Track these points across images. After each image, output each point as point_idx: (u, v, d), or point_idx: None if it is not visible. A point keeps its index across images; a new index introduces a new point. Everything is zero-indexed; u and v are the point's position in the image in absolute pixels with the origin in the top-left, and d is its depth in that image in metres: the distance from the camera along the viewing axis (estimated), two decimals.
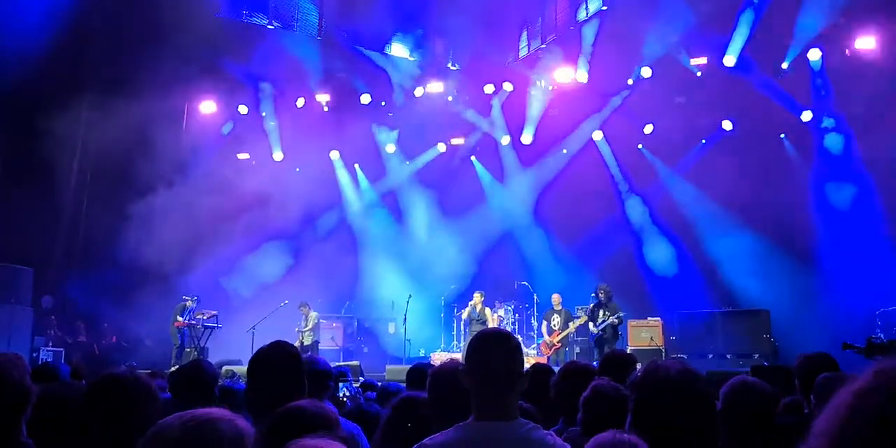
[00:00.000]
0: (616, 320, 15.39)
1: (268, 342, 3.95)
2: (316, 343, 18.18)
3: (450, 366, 3.66)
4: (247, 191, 20.45)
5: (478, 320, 17.13)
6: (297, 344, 17.66)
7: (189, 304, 17.72)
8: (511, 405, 2.85)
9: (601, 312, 15.62)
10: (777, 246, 17.93)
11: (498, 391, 2.84)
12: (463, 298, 18.60)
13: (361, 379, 10.77)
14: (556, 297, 17.18)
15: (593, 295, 17.27)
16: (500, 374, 2.84)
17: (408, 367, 5.68)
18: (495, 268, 21.21)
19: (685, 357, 16.52)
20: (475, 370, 2.88)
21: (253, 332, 16.94)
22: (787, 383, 5.51)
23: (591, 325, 15.74)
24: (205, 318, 17.76)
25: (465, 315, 17.74)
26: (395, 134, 22.40)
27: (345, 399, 5.31)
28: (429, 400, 3.66)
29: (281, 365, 3.74)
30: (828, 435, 1.21)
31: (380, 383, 6.85)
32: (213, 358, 17.46)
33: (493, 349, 2.90)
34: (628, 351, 16.17)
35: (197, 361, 4.76)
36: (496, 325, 18.76)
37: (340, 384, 5.38)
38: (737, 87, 18.11)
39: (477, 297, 17.46)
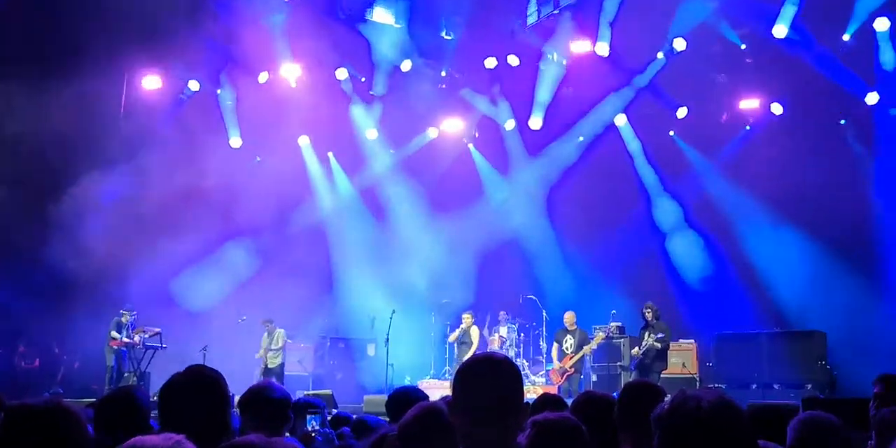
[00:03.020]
0: (657, 343, 15.43)
1: (223, 365, 3.94)
2: (282, 366, 18.20)
3: (440, 403, 3.66)
4: (199, 184, 20.39)
5: (465, 343, 17.18)
6: (260, 367, 17.70)
7: (126, 318, 17.67)
8: (507, 445, 2.84)
9: (646, 334, 15.71)
10: (835, 254, 17.95)
11: (490, 429, 2.83)
12: (458, 314, 18.60)
13: (334, 411, 10.77)
14: (569, 315, 17.18)
15: (613, 312, 17.32)
16: (493, 410, 2.83)
17: None
18: (497, 278, 21.22)
19: (723, 387, 16.54)
20: (463, 404, 2.88)
21: (204, 353, 16.91)
22: (848, 419, 5.49)
23: (635, 349, 15.85)
24: (146, 336, 17.72)
25: (452, 338, 17.78)
26: (377, 116, 22.37)
27: (313, 434, 5.29)
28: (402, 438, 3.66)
29: (197, 396, 3.66)
30: None
31: (356, 416, 6.84)
32: (157, 384, 17.43)
33: (484, 378, 2.88)
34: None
35: (127, 389, 4.73)
36: (496, 348, 18.80)
37: (309, 416, 5.36)
38: (788, 64, 18.13)
39: (466, 318, 17.54)
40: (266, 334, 18.23)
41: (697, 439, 2.42)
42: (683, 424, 2.46)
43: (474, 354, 3.19)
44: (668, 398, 2.70)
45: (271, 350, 18.12)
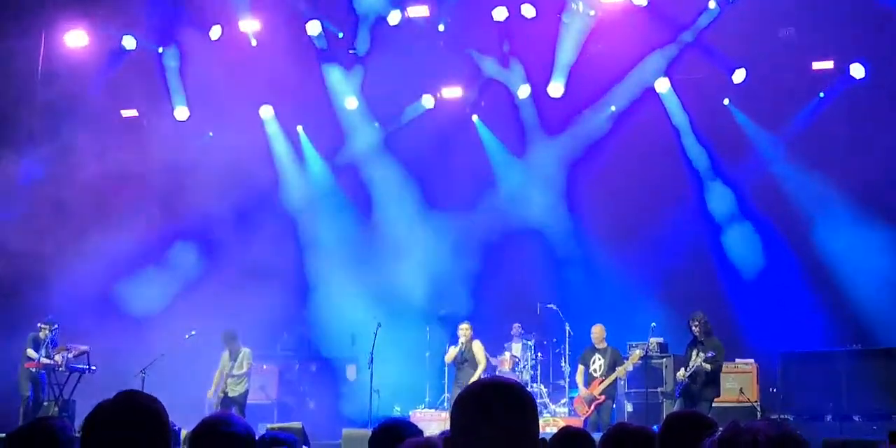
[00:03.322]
0: (707, 364, 15.36)
1: (167, 392, 3.91)
2: (245, 395, 18.02)
3: (436, 440, 3.67)
4: (137, 165, 20.38)
5: (466, 362, 17.16)
6: (216, 394, 17.60)
7: (44, 333, 17.59)
8: None
9: (694, 353, 15.64)
10: None
11: None
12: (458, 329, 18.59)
13: None
14: (597, 330, 17.18)
15: (652, 325, 17.31)
16: (501, 446, 2.84)
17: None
18: (508, 283, 21.17)
19: (790, 419, 16.55)
20: (464, 442, 2.88)
21: (143, 377, 16.89)
22: None
23: (681, 370, 15.80)
24: (70, 356, 17.70)
25: (449, 357, 17.77)
26: (358, 81, 22.33)
27: None
28: None
29: (129, 430, 3.59)
30: None
31: None
32: (83, 417, 17.40)
33: (491, 412, 2.87)
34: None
35: (45, 421, 4.72)
36: (506, 370, 18.80)
37: None
38: (872, 15, 18.09)
39: (464, 331, 17.50)
40: (227, 354, 18.00)
41: None
42: None
43: (479, 379, 3.17)
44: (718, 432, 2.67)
45: (233, 376, 17.87)
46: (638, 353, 17.28)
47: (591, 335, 17.23)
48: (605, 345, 17.09)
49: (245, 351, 18.04)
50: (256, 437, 4.93)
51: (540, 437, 2.95)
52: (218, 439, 4.61)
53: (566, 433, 5.56)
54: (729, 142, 20.79)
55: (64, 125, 20.08)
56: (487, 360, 17.97)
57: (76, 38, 21.17)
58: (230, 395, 17.72)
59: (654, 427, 5.26)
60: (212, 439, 4.64)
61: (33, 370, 17.42)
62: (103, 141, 20.15)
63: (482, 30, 21.52)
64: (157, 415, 3.70)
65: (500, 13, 20.82)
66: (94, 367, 17.89)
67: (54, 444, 4.40)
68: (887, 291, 18.11)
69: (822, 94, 19.94)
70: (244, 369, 17.94)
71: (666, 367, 17.89)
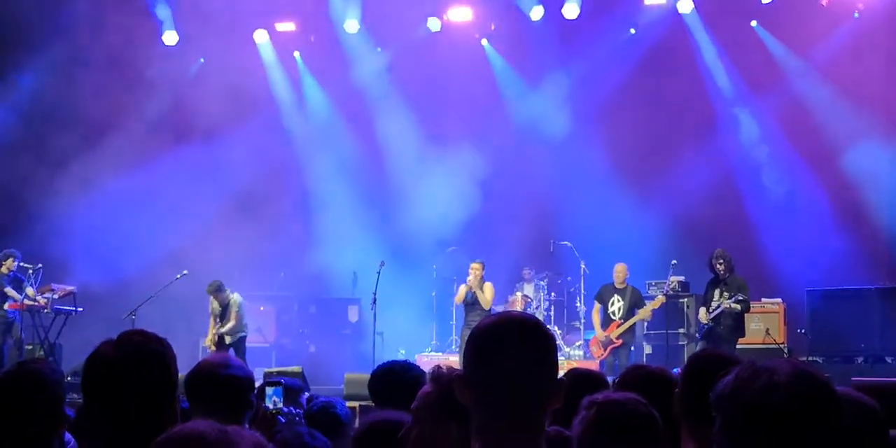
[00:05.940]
0: (734, 305, 15.30)
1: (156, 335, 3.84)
2: (242, 341, 17.89)
3: (446, 375, 3.68)
4: (121, 93, 20.32)
5: (477, 305, 17.15)
6: (209, 338, 17.62)
7: (10, 264, 17.32)
8: (534, 433, 2.88)
9: (717, 293, 15.58)
10: None
11: (514, 412, 2.84)
12: (467, 267, 18.58)
13: (306, 394, 10.86)
14: (621, 269, 17.14)
15: (673, 263, 17.34)
16: (519, 386, 2.84)
17: None
18: (519, 220, 21.15)
19: (819, 360, 16.62)
20: (478, 379, 2.89)
21: (133, 319, 16.95)
22: None
23: (702, 311, 15.76)
24: (56, 296, 17.71)
25: (458, 298, 17.75)
26: (359, 2, 22.18)
27: (275, 412, 5.27)
28: (413, 425, 3.69)
29: (142, 373, 3.56)
30: None
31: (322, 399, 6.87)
32: (70, 361, 17.50)
33: (508, 346, 2.88)
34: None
35: (30, 365, 4.67)
36: (518, 310, 18.82)
37: (268, 390, 5.33)
38: None
39: (475, 271, 17.43)
40: (215, 303, 17.83)
41: (771, 428, 2.35)
42: (752, 407, 2.39)
43: (494, 314, 3.16)
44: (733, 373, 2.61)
45: (223, 332, 17.69)
46: (661, 298, 17.24)
47: (614, 274, 17.17)
48: (625, 284, 17.09)
49: (234, 300, 17.81)
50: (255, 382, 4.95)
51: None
52: (217, 382, 4.62)
53: (575, 375, 5.58)
54: (756, 66, 20.65)
55: (40, 50, 20.01)
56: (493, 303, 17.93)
57: None
58: (226, 342, 17.63)
59: (675, 370, 5.28)
60: (210, 383, 4.65)
61: (15, 311, 17.18)
62: (81, 66, 20.08)
63: None
64: (168, 357, 3.68)
65: None
66: (80, 309, 17.92)
67: (43, 391, 4.39)
68: None
69: (856, 14, 19.76)
70: (232, 323, 17.66)
71: (688, 307, 17.92)
